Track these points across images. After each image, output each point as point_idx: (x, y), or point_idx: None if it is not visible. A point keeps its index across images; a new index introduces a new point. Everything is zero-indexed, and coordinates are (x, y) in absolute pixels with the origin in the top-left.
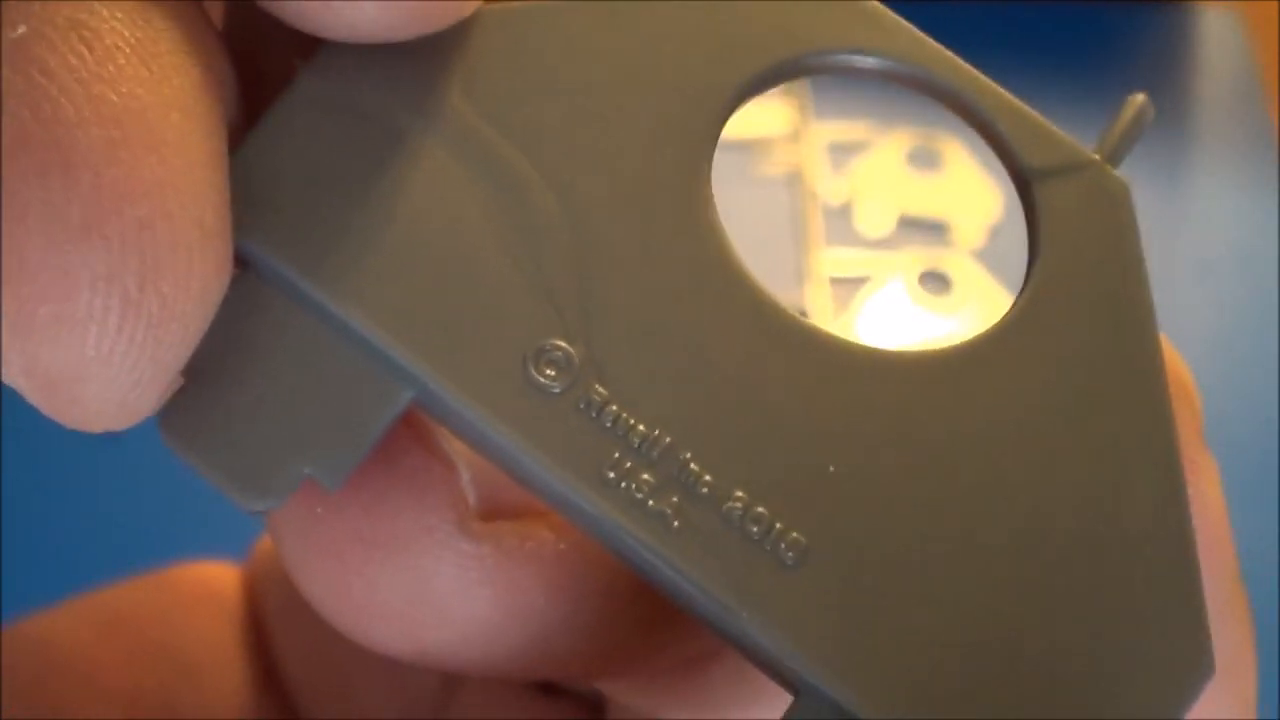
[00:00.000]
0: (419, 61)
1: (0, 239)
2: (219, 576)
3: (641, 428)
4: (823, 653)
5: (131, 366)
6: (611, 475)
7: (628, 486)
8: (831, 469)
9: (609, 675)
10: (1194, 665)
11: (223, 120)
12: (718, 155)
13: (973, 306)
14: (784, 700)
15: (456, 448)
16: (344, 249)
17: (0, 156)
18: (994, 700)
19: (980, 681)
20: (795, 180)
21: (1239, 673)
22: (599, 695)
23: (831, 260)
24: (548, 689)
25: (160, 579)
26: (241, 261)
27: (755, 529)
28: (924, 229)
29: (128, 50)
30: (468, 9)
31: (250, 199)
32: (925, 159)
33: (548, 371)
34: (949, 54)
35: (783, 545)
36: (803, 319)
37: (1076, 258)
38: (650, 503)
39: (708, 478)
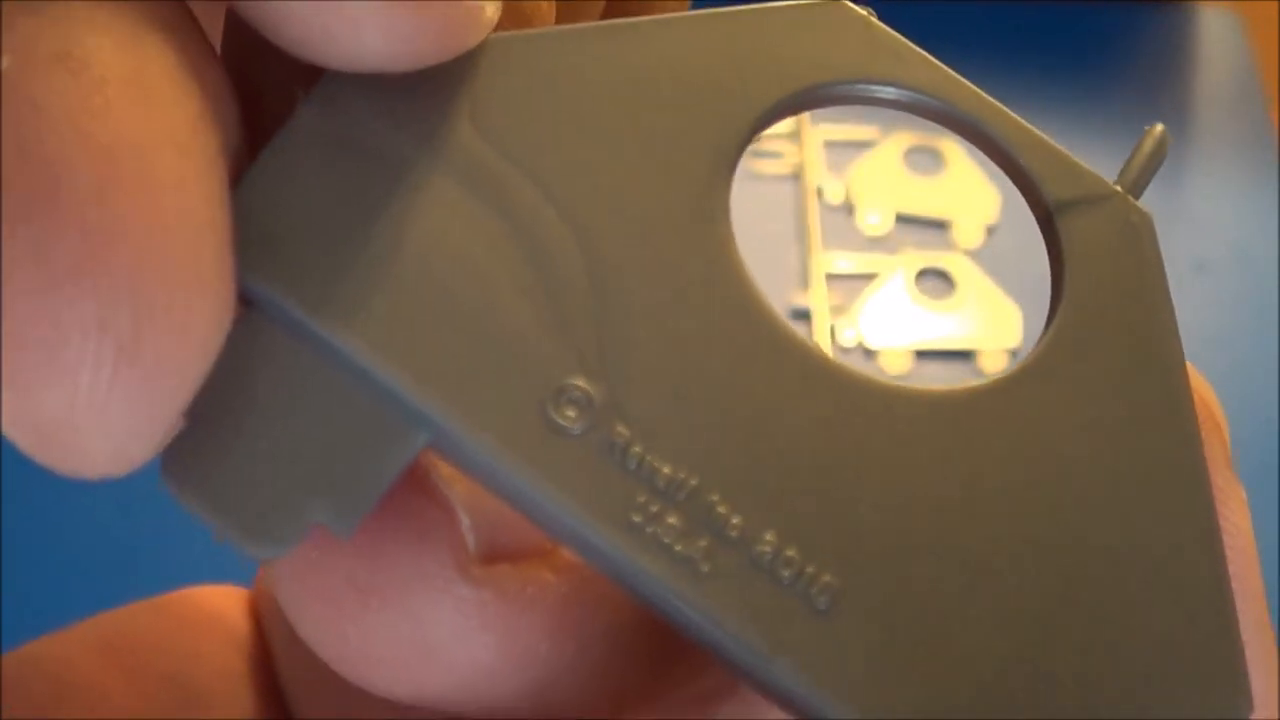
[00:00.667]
0: (425, 91)
1: None
2: (226, 601)
3: (667, 469)
4: (857, 699)
5: (127, 415)
6: (637, 519)
7: (654, 530)
8: (862, 510)
9: (620, 714)
10: (1230, 706)
11: (222, 152)
12: None
13: (971, 306)
14: None
15: (455, 491)
16: (352, 286)
17: None
18: None
19: None
20: (795, 180)
21: (1262, 712)
22: None
23: (831, 260)
24: None
25: (167, 603)
26: (246, 299)
27: (786, 573)
28: (923, 229)
29: (118, 82)
30: (473, 40)
31: (253, 235)
32: (924, 159)
33: (568, 412)
34: (969, 85)
35: (814, 589)
36: (828, 357)
37: (1102, 291)
38: (678, 547)
39: (736, 520)
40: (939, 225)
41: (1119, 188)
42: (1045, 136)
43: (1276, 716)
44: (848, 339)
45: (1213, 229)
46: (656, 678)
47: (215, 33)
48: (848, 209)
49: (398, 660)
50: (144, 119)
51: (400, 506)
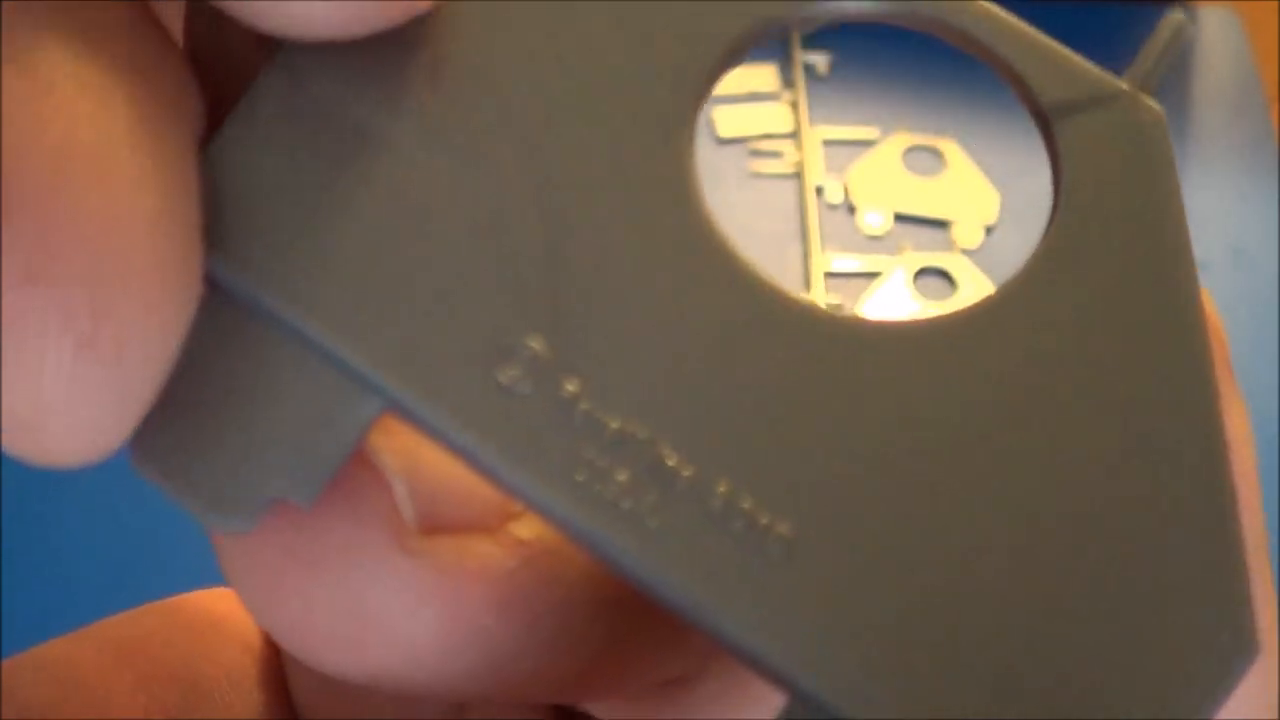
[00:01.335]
0: (383, 57)
1: None
2: (235, 603)
3: (615, 424)
4: (812, 653)
5: (94, 405)
6: (581, 478)
7: (600, 488)
8: (824, 456)
9: (586, 696)
10: (1236, 646)
11: (184, 142)
12: (718, 155)
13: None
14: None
15: (391, 461)
16: (306, 259)
17: None
18: (1008, 699)
19: (989, 677)
20: (795, 180)
21: (1265, 650)
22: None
23: (831, 259)
24: (561, 712)
25: (175, 605)
26: (207, 278)
27: (739, 524)
28: (923, 229)
29: (68, 83)
30: (422, 5)
31: (210, 215)
32: (924, 159)
33: (513, 372)
34: None
35: (768, 540)
36: (798, 295)
37: (1104, 199)
38: (624, 503)
39: (687, 472)
40: (939, 225)
41: (1126, 85)
42: (1041, 34)
43: (1275, 666)
44: None
45: (1213, 229)
46: (624, 659)
47: (176, 21)
48: (848, 209)
49: (339, 634)
50: (95, 118)
51: (340, 477)
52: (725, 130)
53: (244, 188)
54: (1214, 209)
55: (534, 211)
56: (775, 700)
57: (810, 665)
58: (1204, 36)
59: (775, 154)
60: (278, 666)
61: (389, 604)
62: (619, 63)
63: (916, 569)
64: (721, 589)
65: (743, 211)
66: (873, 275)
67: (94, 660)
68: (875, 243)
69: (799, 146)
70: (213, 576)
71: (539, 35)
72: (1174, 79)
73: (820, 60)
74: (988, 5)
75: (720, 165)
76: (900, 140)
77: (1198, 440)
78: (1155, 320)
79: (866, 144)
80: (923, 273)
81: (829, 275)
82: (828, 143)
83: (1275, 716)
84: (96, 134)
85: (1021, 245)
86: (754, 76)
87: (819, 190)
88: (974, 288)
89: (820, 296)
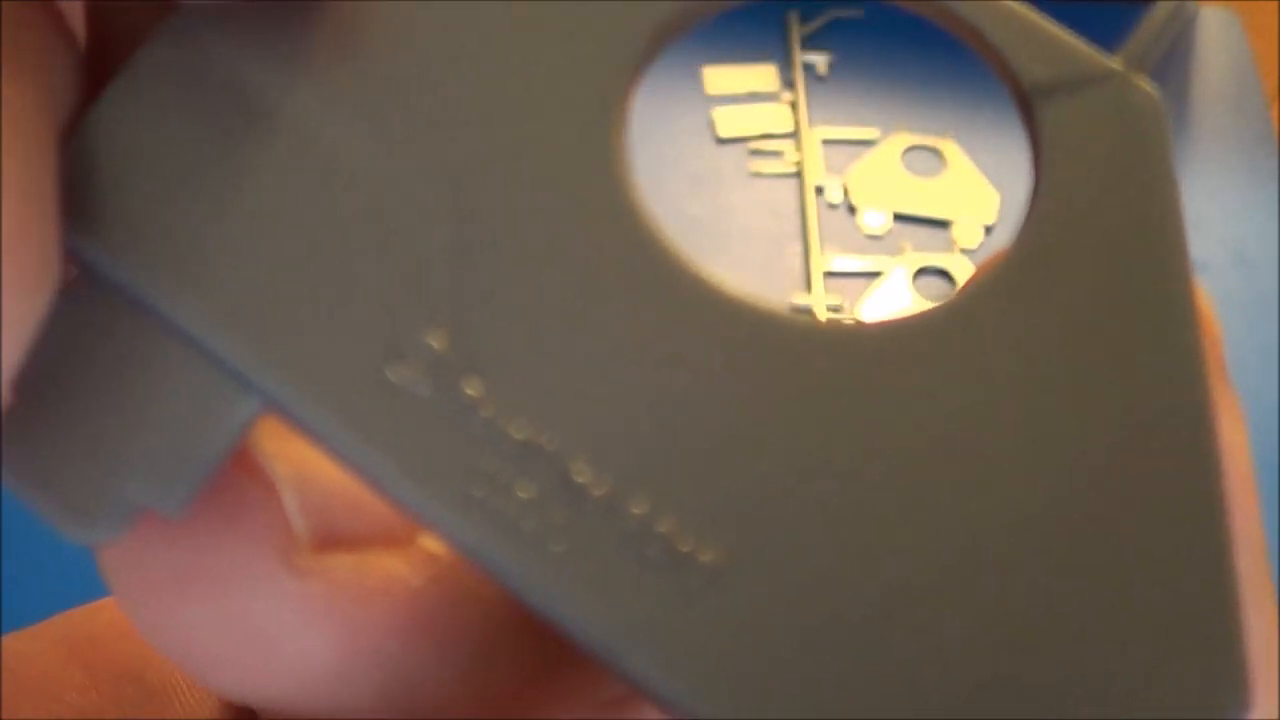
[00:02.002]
0: (284, 24)
1: None
2: None
3: (519, 433)
4: (734, 701)
5: None
6: (479, 493)
7: (498, 505)
8: (761, 473)
9: (525, 715)
10: (1226, 703)
11: (42, 113)
12: (718, 155)
13: None
14: None
15: (280, 468)
16: (182, 243)
17: None
18: None
19: (942, 711)
20: (795, 180)
21: (1261, 670)
22: None
23: (831, 259)
24: None
25: None
26: (71, 260)
27: (655, 549)
28: (922, 228)
29: None
30: None
31: (78, 189)
32: (924, 159)
33: (406, 371)
34: None
35: (689, 568)
36: (741, 293)
37: (1089, 187)
38: (525, 523)
39: (600, 490)
40: (939, 225)
41: (1118, 65)
42: (1028, 10)
43: (1274, 687)
44: None
45: (1213, 229)
46: (558, 680)
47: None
48: (848, 209)
49: (229, 657)
50: None
51: (220, 486)
52: (725, 130)
53: (119, 164)
54: (1214, 209)
55: (443, 198)
56: None
57: (720, 712)
58: (1204, 36)
59: (775, 154)
60: None
61: (278, 626)
62: (545, 46)
63: (859, 603)
64: (629, 625)
65: (743, 211)
66: (873, 275)
67: (46, 655)
68: (875, 243)
69: (799, 146)
70: None
71: (460, 15)
72: (1174, 79)
73: (820, 60)
74: None
75: (720, 165)
76: (900, 140)
77: (1190, 455)
78: (1145, 321)
79: (866, 144)
80: (922, 272)
81: (829, 275)
82: (828, 143)
83: (1275, 718)
84: None
85: None
86: (754, 76)
87: (819, 190)
88: None
89: (820, 296)
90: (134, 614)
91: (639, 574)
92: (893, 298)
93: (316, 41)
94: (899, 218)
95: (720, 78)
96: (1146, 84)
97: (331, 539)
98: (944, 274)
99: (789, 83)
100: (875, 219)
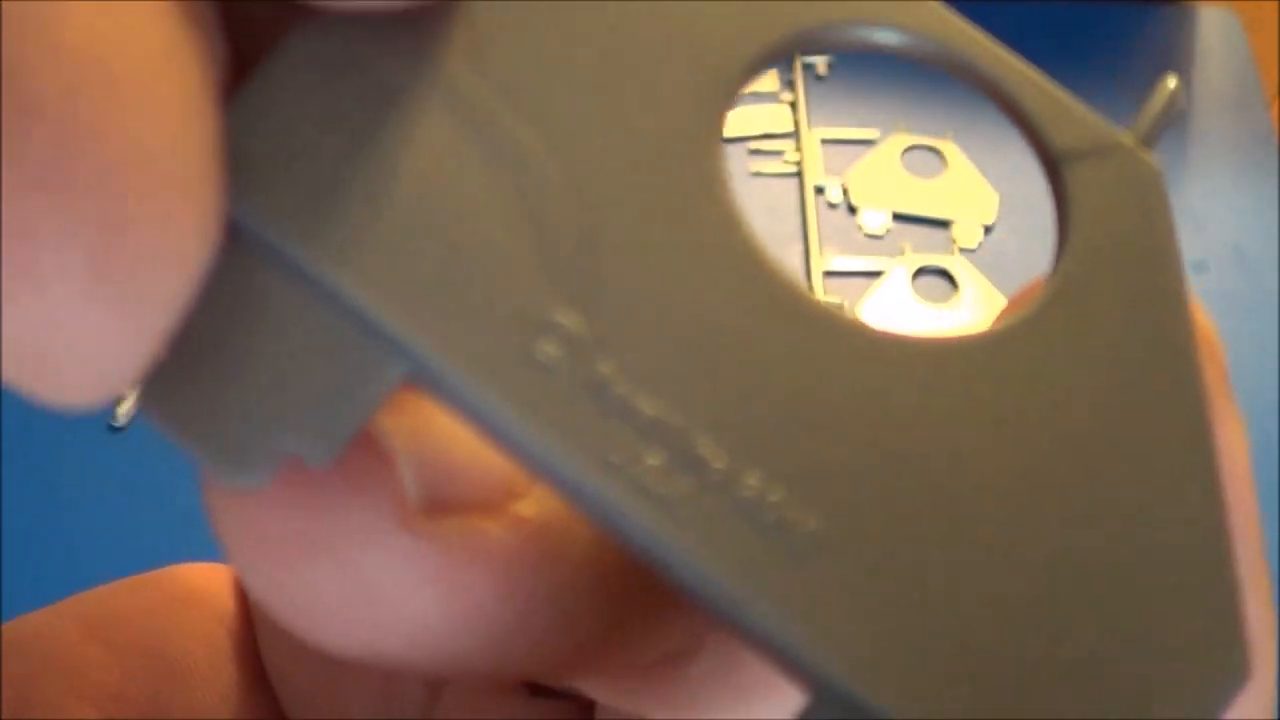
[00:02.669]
0: (420, 24)
1: None
2: (210, 578)
3: (649, 409)
4: (836, 647)
5: (102, 334)
6: (615, 459)
7: (632, 470)
8: (851, 456)
9: (580, 675)
10: (1227, 671)
11: (206, 72)
12: None
13: (970, 304)
14: (770, 697)
15: (397, 441)
16: (336, 215)
17: None
18: (1017, 700)
19: (1004, 680)
20: (795, 180)
21: (1258, 662)
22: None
23: (831, 259)
24: (536, 689)
25: (150, 579)
26: (230, 227)
27: (769, 516)
28: (922, 228)
29: None
30: None
31: (234, 160)
32: (924, 159)
33: (548, 348)
34: (973, 29)
35: (797, 533)
36: (819, 299)
37: (1106, 244)
38: (656, 488)
39: (719, 463)
40: (938, 225)
41: (1127, 139)
42: (1052, 83)
43: (1271, 680)
44: None
45: (1213, 229)
46: (618, 638)
47: None
48: (848, 209)
49: (342, 614)
50: (114, 28)
51: (346, 455)
52: (725, 130)
53: (274, 139)
54: (1214, 209)
55: (569, 196)
56: (769, 683)
57: (841, 660)
58: (1204, 36)
59: (775, 154)
60: (252, 640)
61: (393, 584)
62: (656, 58)
63: (942, 569)
64: (751, 580)
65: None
66: (872, 275)
67: (68, 633)
68: (875, 242)
69: (799, 146)
70: (194, 550)
71: (579, 27)
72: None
73: (820, 60)
74: (1003, 51)
75: None
76: (900, 140)
77: (1192, 473)
78: (1152, 359)
79: (866, 144)
80: (922, 272)
81: (828, 275)
82: (827, 143)
83: (1274, 717)
84: (114, 44)
85: (1020, 245)
86: None
87: (819, 190)
88: (973, 288)
89: (820, 296)
90: (251, 571)
91: (756, 536)
92: (892, 298)
93: (450, 49)
94: (898, 218)
95: None
96: (1151, 157)
97: (439, 505)
98: (944, 274)
99: (789, 83)
100: (875, 219)
